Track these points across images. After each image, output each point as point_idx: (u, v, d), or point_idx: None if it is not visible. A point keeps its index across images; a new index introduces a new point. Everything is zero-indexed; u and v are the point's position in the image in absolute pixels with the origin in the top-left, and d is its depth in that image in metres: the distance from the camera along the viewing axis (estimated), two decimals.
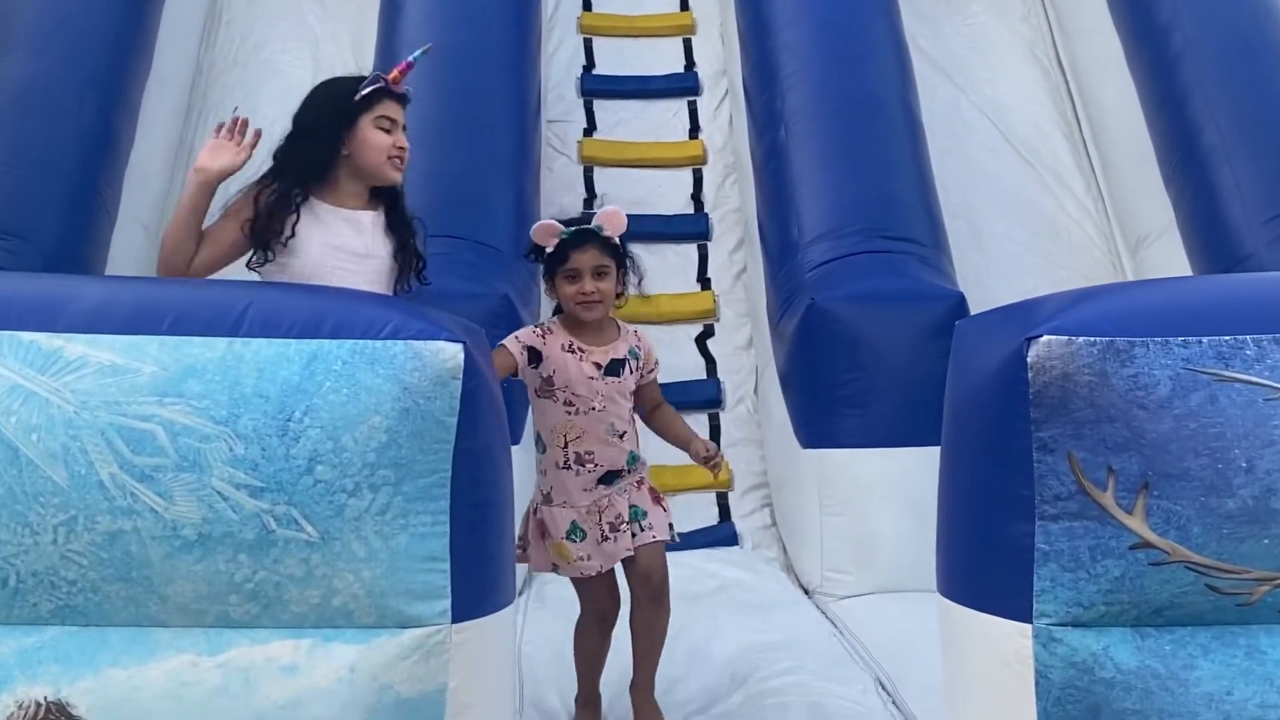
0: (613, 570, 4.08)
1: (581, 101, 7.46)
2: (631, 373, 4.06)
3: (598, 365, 4.00)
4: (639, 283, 4.15)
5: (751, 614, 5.17)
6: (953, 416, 3.29)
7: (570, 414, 3.98)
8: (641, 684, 4.16)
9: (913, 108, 6.60)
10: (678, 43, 7.72)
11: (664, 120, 7.38)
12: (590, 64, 7.62)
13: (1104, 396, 2.84)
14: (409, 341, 2.81)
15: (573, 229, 3.98)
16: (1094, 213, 7.05)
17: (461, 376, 2.83)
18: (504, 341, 4.01)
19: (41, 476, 2.76)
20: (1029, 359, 2.89)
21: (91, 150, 6.15)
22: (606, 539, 4.01)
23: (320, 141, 3.86)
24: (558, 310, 4.16)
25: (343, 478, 2.78)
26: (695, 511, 6.03)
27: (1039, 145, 7.25)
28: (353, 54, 7.43)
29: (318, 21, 7.60)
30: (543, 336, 4.02)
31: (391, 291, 3.93)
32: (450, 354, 2.82)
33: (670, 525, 4.12)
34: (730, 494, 6.18)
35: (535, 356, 4.00)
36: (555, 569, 4.09)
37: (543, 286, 4.21)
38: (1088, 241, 6.96)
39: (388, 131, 3.91)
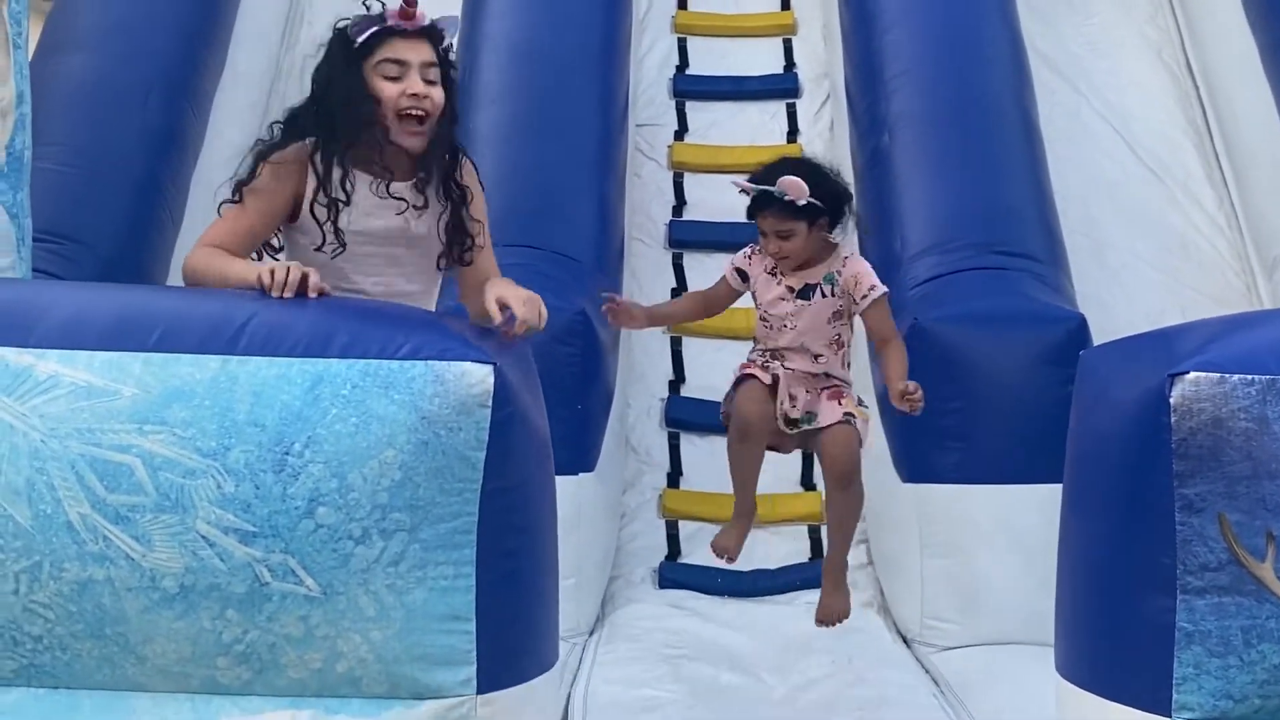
0: (765, 390, 4.19)
1: (673, 103, 7.22)
2: (825, 297, 4.17)
3: (790, 289, 4.17)
4: (854, 223, 4.36)
5: (842, 666, 4.84)
6: (1077, 466, 3.02)
7: (769, 329, 4.23)
8: (830, 562, 4.43)
9: (1029, 113, 6.30)
10: (777, 43, 7.44)
11: (760, 123, 7.11)
12: (684, 64, 7.39)
13: (1263, 447, 2.55)
14: (430, 362, 2.51)
15: (756, 190, 4.15)
16: (1226, 229, 6.69)
17: (491, 404, 2.52)
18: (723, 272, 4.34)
19: (2, 515, 2.47)
20: (1172, 400, 2.61)
21: (156, 149, 6.02)
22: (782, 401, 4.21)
23: (346, 93, 3.22)
24: None
25: (349, 522, 2.47)
26: (784, 545, 5.73)
27: (1166, 155, 6.91)
28: None
29: None
30: (749, 258, 4.28)
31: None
32: (478, 377, 2.52)
33: (849, 414, 4.21)
34: (823, 528, 5.76)
35: (744, 276, 4.28)
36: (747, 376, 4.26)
37: None
38: (1219, 260, 6.61)
39: (395, 79, 3.22)
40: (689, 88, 7.20)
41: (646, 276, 6.48)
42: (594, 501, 5.14)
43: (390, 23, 3.23)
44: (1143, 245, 6.53)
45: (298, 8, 7.55)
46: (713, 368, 6.10)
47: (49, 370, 2.48)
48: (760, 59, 7.31)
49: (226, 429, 2.44)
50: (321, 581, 2.46)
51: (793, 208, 4.05)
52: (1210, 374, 2.58)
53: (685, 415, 5.99)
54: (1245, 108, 6.62)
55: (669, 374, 6.20)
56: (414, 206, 3.25)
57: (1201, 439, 2.58)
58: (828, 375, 4.18)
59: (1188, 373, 2.60)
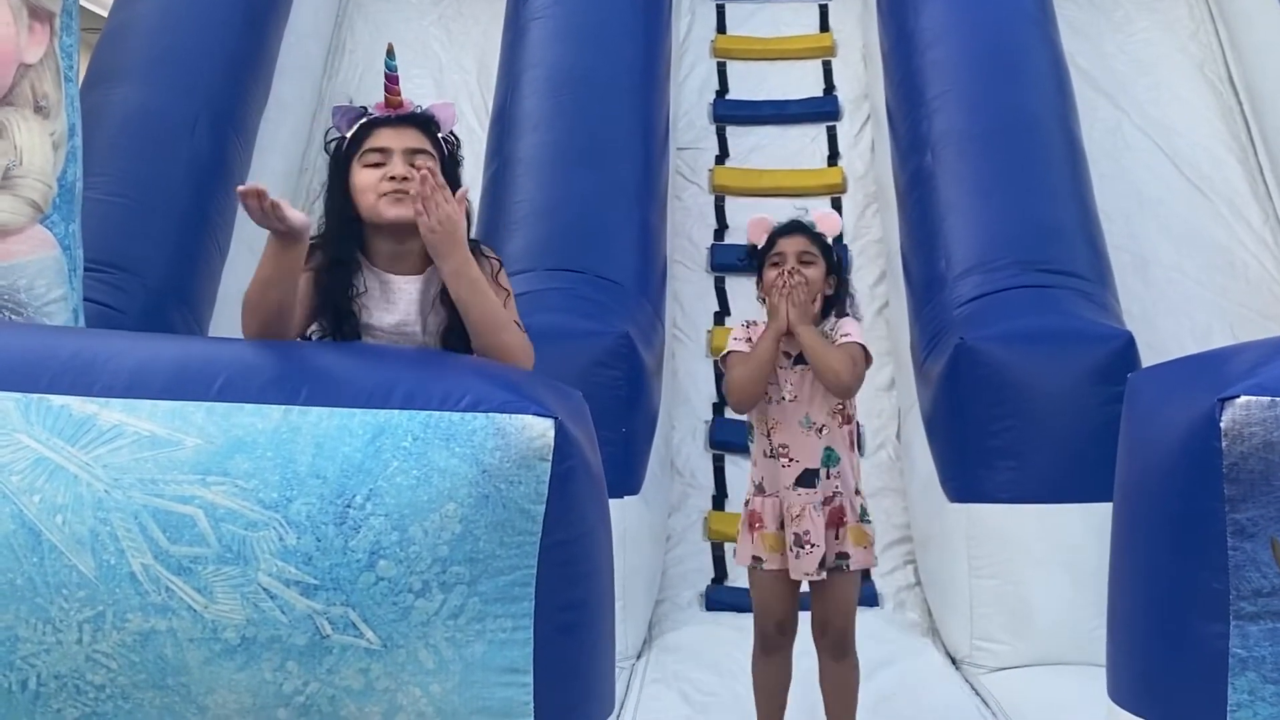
0: (791, 584, 4.06)
1: (713, 128, 7.21)
2: None
3: (787, 355, 4.04)
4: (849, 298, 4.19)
5: (891, 687, 4.81)
6: (1127, 491, 2.93)
7: (767, 403, 4.06)
8: None
9: (1072, 130, 6.23)
10: (817, 65, 7.43)
11: (801, 147, 7.10)
12: (723, 89, 7.38)
13: None
14: (490, 415, 2.46)
15: (785, 221, 4.13)
16: (1272, 245, 6.62)
17: (551, 458, 2.48)
18: (733, 349, 4.11)
19: (66, 565, 2.45)
20: (1223, 424, 2.54)
21: (202, 178, 6.06)
22: (792, 551, 4.01)
23: (330, 199, 3.06)
24: None
25: (409, 575, 2.43)
26: None
27: (1210, 171, 6.84)
28: (477, 81, 7.35)
29: (442, 49, 7.52)
30: (747, 327, 4.15)
31: None
32: (539, 430, 2.47)
33: (842, 554, 4.08)
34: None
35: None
36: (757, 563, 4.08)
37: (757, 289, 4.22)
38: (1265, 276, 6.54)
39: (376, 166, 3.00)
40: (729, 112, 7.19)
41: (689, 300, 6.48)
42: (639, 525, 5.12)
43: (372, 113, 3.05)
44: (1188, 262, 6.48)
45: (340, 38, 7.60)
46: None
47: (113, 420, 2.47)
48: (800, 82, 7.29)
49: (288, 480, 2.42)
50: (382, 634, 2.43)
51: (821, 239, 4.06)
52: (1261, 398, 2.51)
53: (730, 437, 5.96)
54: None
55: (713, 396, 6.19)
56: (422, 304, 3.00)
57: (1253, 463, 2.51)
58: (830, 453, 3.98)
59: (1238, 397, 2.52)
